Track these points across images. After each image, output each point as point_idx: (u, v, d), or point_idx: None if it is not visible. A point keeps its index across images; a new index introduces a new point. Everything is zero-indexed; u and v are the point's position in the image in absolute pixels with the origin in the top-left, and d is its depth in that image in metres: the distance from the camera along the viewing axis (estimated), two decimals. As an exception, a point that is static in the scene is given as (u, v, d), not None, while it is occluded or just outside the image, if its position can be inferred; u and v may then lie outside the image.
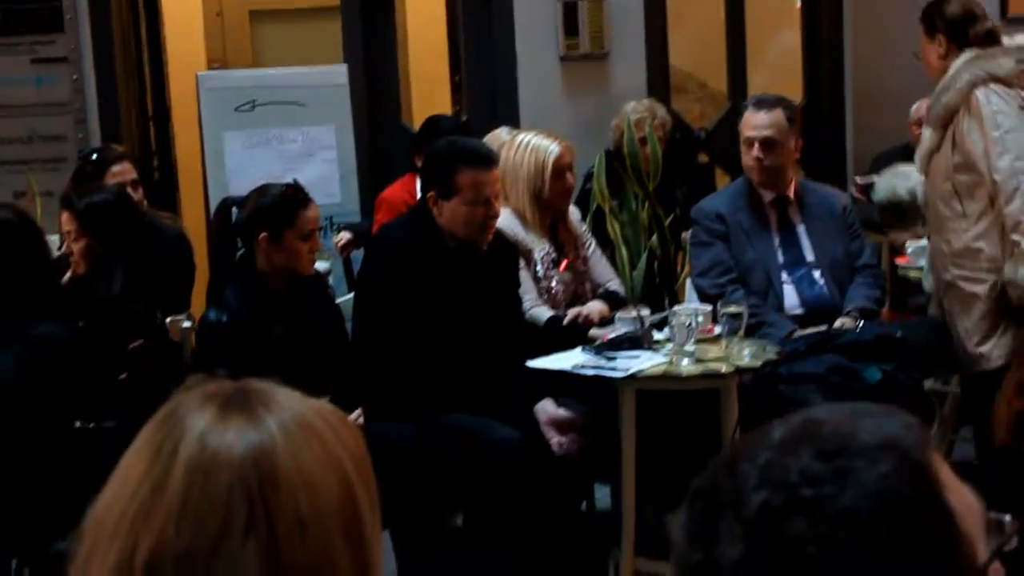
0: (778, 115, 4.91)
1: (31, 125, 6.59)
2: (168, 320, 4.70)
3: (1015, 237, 4.48)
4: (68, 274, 4.63)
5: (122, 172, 5.18)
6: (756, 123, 4.92)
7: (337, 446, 1.23)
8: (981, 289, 4.63)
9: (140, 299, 4.55)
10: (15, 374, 3.82)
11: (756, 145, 4.89)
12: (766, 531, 1.01)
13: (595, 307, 4.87)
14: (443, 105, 7.67)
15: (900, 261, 5.77)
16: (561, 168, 4.93)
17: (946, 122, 4.62)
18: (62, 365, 3.90)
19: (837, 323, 4.78)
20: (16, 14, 6.53)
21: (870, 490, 1.00)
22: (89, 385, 4.10)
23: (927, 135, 4.74)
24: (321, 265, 5.95)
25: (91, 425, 4.10)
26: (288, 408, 1.23)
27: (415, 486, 4.20)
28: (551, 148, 4.92)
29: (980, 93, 4.52)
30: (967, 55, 4.60)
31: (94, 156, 5.35)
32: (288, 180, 4.56)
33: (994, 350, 4.64)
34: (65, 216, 4.58)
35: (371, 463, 1.29)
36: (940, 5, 4.74)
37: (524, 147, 4.95)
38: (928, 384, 5.53)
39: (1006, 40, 4.91)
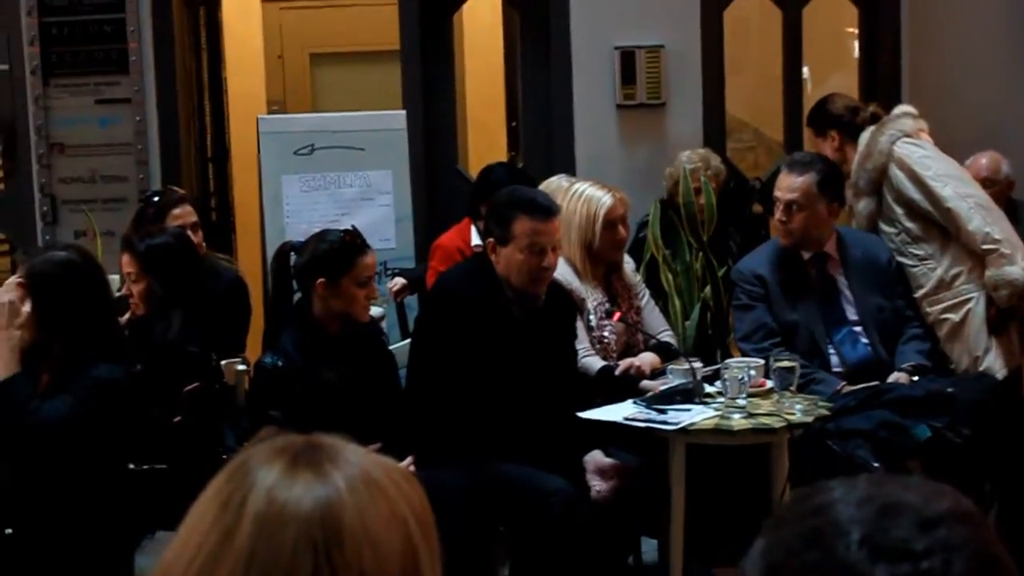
0: (808, 179, 4.86)
1: (94, 165, 6.69)
2: (224, 363, 4.75)
3: (987, 247, 4.87)
4: (127, 315, 4.70)
5: (183, 215, 5.24)
6: (783, 186, 4.92)
7: (402, 503, 1.27)
8: (968, 307, 4.93)
9: (196, 342, 4.60)
10: (72, 415, 3.86)
11: (780, 208, 4.91)
12: None
13: (647, 358, 4.88)
14: (499, 151, 7.72)
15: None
16: (613, 220, 4.94)
17: (877, 186, 5.06)
18: (117, 407, 3.93)
19: (891, 378, 4.77)
20: (82, 55, 6.64)
21: (975, 555, 1.05)
22: (143, 427, 4.15)
23: (862, 206, 5.11)
24: (375, 311, 6.01)
25: (144, 467, 4.15)
26: (355, 464, 1.27)
27: (464, 534, 4.21)
28: (603, 200, 4.94)
29: (900, 147, 5.02)
30: (869, 130, 5.08)
31: (156, 198, 5.42)
32: (345, 224, 4.61)
33: (996, 361, 4.91)
34: (126, 258, 4.65)
35: (433, 519, 1.32)
36: (823, 107, 5.34)
37: (577, 197, 4.98)
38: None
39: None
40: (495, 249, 4.50)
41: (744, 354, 4.85)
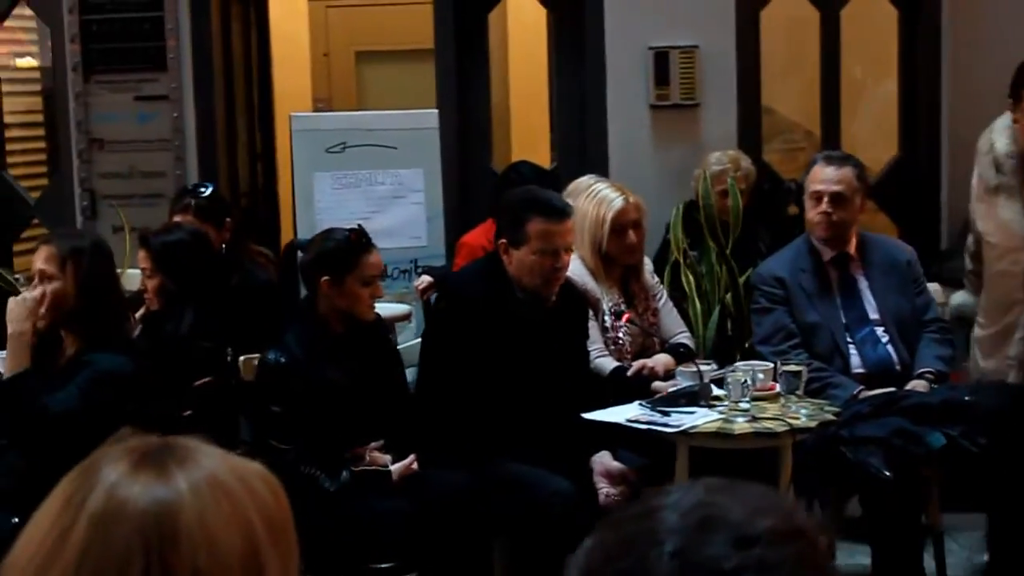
0: (848, 172, 4.88)
1: (132, 161, 6.77)
2: (242, 359, 4.80)
3: None
4: (142, 310, 4.76)
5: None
6: (825, 177, 4.88)
7: (250, 507, 1.28)
8: None
9: (211, 337, 4.65)
10: (78, 407, 3.92)
11: (825, 199, 4.86)
12: None
13: (661, 360, 4.86)
14: (543, 151, 7.71)
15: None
16: (623, 224, 4.92)
17: None
18: (124, 399, 3.99)
19: (909, 386, 4.71)
20: (121, 52, 6.73)
21: (791, 572, 1.03)
22: (151, 420, 4.20)
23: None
24: (403, 308, 6.04)
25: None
26: (204, 466, 1.29)
27: (465, 533, 4.22)
28: (615, 202, 4.92)
29: None
30: None
31: (202, 191, 5.50)
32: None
33: None
34: (141, 254, 4.72)
35: (292, 522, 1.35)
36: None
37: (591, 197, 4.97)
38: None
39: None
40: (507, 250, 4.50)
41: (763, 358, 4.81)
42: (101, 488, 1.25)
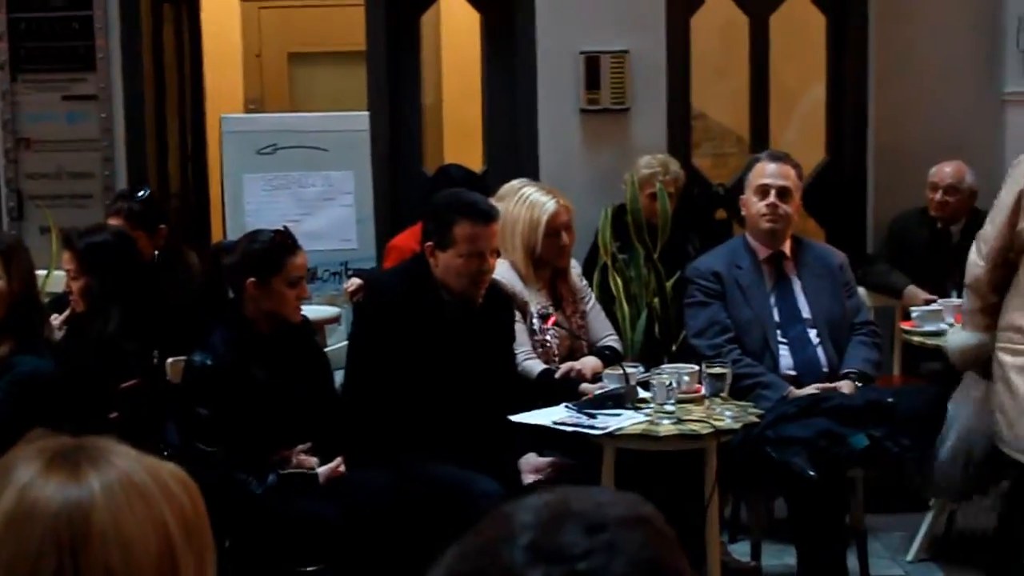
0: (790, 169, 5.01)
1: (60, 161, 6.72)
2: (169, 361, 4.77)
3: None
4: (66, 312, 4.72)
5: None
6: (772, 172, 4.97)
7: (165, 507, 1.30)
8: None
9: (136, 339, 4.62)
10: (1, 410, 3.88)
11: (772, 192, 4.93)
12: None
13: (588, 362, 4.88)
14: (475, 154, 7.73)
15: (905, 326, 5.73)
16: (556, 227, 4.95)
17: None
18: (47, 401, 3.96)
19: (833, 386, 4.77)
20: (50, 51, 6.67)
21: (637, 558, 1.07)
22: (75, 422, 4.17)
23: None
24: (332, 310, 6.04)
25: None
26: (117, 467, 1.30)
27: (393, 535, 4.22)
28: (547, 205, 4.94)
29: None
30: None
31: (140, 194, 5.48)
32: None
33: None
34: (66, 255, 4.67)
35: (207, 522, 1.36)
36: None
37: (522, 201, 4.98)
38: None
39: None
40: (434, 252, 4.51)
41: (696, 351, 4.85)
42: (13, 488, 1.27)
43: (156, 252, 5.37)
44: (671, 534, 1.12)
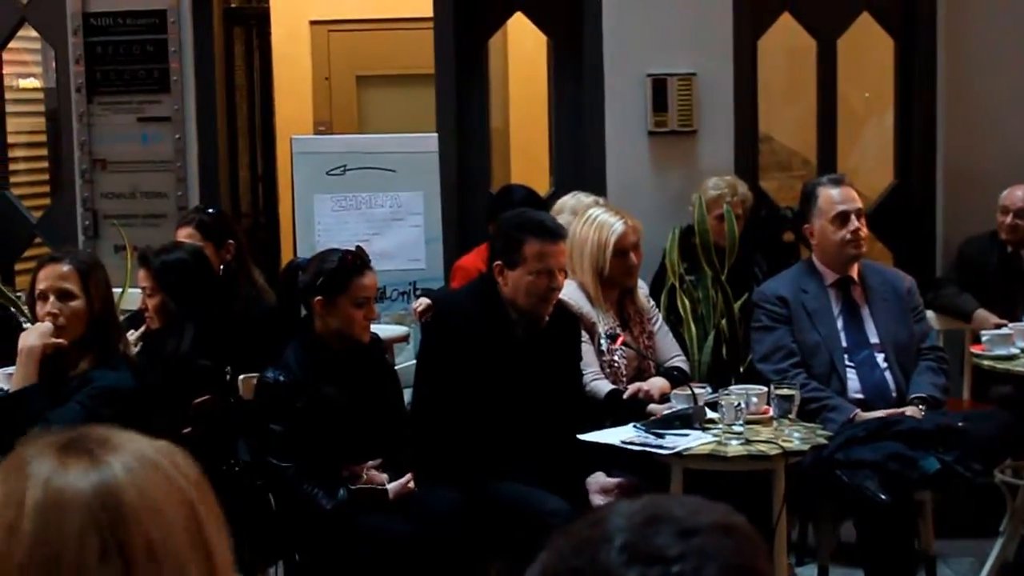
0: (852, 190, 5.03)
1: (135, 181, 6.83)
2: (241, 378, 4.83)
3: None
4: (142, 328, 4.80)
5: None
6: (843, 196, 4.97)
7: (176, 474, 1.36)
8: None
9: (210, 356, 4.69)
10: (80, 422, 3.95)
11: (852, 217, 4.93)
12: None
13: (656, 383, 4.90)
14: (542, 176, 7.76)
15: (975, 349, 5.69)
16: (624, 248, 4.97)
17: None
18: (124, 415, 4.02)
19: (901, 410, 4.75)
20: (125, 74, 6.80)
21: (728, 564, 1.09)
22: (151, 437, 4.23)
23: None
24: (401, 329, 6.08)
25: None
26: (127, 447, 1.35)
27: (461, 552, 4.25)
28: (615, 227, 4.97)
29: None
30: None
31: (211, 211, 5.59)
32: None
33: None
34: (142, 273, 4.75)
35: (211, 490, 1.41)
36: None
37: (591, 222, 5.02)
38: (1000, 476, 5.45)
39: None
40: (502, 271, 4.55)
41: (761, 376, 4.85)
42: (35, 482, 1.30)
43: (222, 266, 5.44)
44: (761, 543, 1.15)
